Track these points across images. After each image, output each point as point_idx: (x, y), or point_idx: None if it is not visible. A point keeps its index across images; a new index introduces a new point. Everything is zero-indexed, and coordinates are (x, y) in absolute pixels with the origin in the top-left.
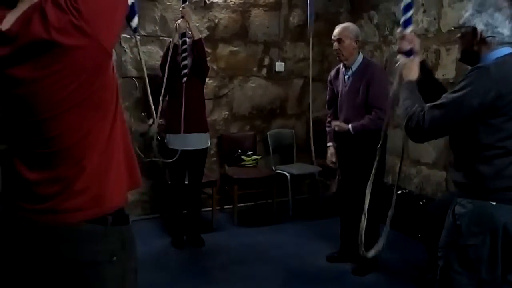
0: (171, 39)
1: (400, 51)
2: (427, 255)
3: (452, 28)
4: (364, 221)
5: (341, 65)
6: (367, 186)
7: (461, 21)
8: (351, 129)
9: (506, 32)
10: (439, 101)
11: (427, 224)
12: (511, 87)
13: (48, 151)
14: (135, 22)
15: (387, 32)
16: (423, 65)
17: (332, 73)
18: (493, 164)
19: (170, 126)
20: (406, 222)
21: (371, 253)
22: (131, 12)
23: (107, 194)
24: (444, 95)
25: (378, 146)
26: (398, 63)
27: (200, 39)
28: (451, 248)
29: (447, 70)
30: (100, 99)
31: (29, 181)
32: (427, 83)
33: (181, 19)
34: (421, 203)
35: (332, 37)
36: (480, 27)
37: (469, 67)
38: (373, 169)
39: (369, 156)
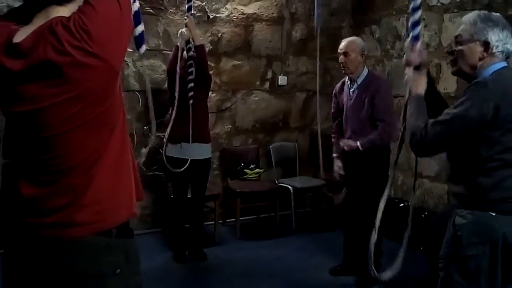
0: (177, 44)
1: (409, 65)
2: (429, 267)
3: (464, 41)
4: (374, 237)
5: (347, 78)
6: (381, 201)
7: (466, 34)
8: (360, 146)
9: (510, 48)
10: (441, 117)
11: (429, 237)
12: (508, 100)
13: (55, 169)
14: (139, 29)
15: (388, 46)
16: (427, 75)
17: (337, 86)
18: (492, 176)
19: (171, 136)
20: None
21: (387, 276)
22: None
23: (116, 209)
24: (446, 111)
25: (394, 163)
26: (406, 77)
27: (202, 45)
28: (452, 259)
29: (448, 84)
30: (109, 118)
31: (33, 197)
32: (430, 93)
33: (184, 28)
34: (423, 215)
35: (338, 50)
36: (493, 41)
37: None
38: (387, 187)
39: (375, 171)
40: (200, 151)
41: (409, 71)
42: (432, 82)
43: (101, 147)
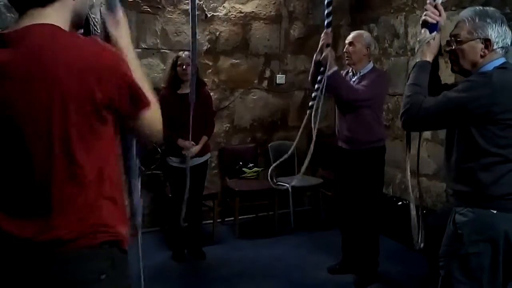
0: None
1: (426, 23)
2: (428, 266)
3: (464, 39)
4: (413, 211)
5: (350, 69)
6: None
7: (464, 32)
8: (333, 69)
9: (510, 42)
10: (439, 99)
11: (428, 236)
12: (509, 96)
13: (35, 184)
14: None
15: (386, 45)
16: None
17: (342, 71)
18: (492, 171)
19: (172, 150)
20: (406, 233)
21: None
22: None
23: (105, 227)
24: (445, 93)
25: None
26: (420, 38)
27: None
28: (453, 257)
29: (445, 80)
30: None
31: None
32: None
33: None
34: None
35: (346, 41)
36: (493, 38)
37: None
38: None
39: (371, 170)
40: (199, 159)
41: (424, 32)
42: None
43: (82, 162)
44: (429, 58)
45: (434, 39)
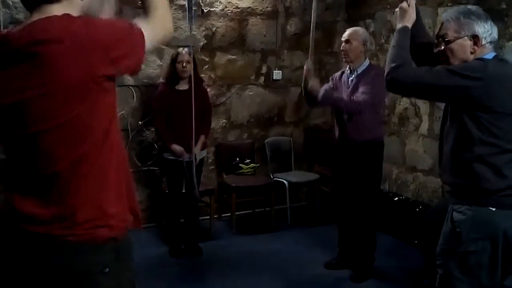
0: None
1: None
2: (423, 261)
3: (452, 39)
4: None
5: (347, 68)
6: None
7: (451, 32)
8: (321, 93)
9: (497, 37)
10: (435, 68)
11: (424, 231)
12: (501, 86)
13: (40, 173)
14: None
15: (383, 40)
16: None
17: (337, 74)
18: (488, 163)
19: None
20: (402, 229)
21: None
22: None
23: (106, 224)
24: (443, 66)
25: None
26: (397, 10)
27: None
28: (451, 255)
29: None
30: (89, 124)
31: (24, 208)
32: (417, 28)
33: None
34: (417, 209)
35: (342, 39)
36: (481, 33)
37: None
38: None
39: (369, 165)
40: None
41: (401, 4)
42: (419, 17)
43: (83, 159)
44: (406, 23)
45: (409, 5)
